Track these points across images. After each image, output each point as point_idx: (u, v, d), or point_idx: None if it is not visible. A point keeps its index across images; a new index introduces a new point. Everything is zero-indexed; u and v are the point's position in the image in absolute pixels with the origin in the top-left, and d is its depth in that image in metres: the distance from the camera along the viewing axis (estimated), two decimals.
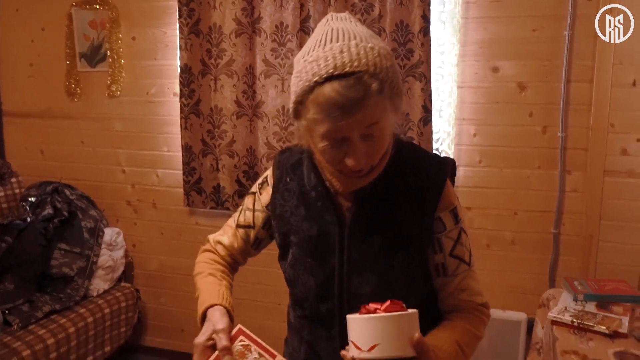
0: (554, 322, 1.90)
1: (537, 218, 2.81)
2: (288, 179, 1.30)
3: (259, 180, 1.40)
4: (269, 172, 1.37)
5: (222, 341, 1.09)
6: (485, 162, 2.85)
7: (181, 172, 3.28)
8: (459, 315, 1.28)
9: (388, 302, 1.02)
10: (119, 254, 3.38)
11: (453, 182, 1.38)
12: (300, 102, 1.07)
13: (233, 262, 1.43)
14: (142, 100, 3.37)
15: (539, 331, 2.19)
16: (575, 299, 2.06)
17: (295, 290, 1.31)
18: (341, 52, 1.02)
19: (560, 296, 2.12)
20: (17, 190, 3.50)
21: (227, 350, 1.09)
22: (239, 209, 1.43)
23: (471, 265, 1.30)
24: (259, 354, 1.12)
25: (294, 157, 1.32)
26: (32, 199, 3.34)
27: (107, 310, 3.16)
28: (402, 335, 0.99)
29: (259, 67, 3.01)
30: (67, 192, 3.37)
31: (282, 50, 2.96)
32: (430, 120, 2.79)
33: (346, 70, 1.01)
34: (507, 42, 2.74)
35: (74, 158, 3.59)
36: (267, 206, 1.35)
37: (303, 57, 1.08)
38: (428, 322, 1.15)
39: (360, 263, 1.20)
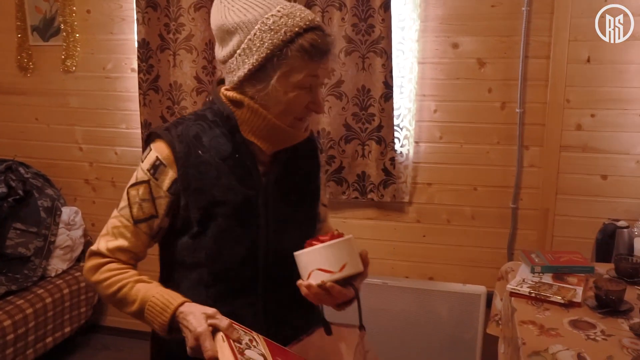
0: (512, 294, 1.94)
1: (496, 193, 2.86)
2: (200, 151, 1.25)
3: (145, 167, 1.26)
4: (158, 153, 1.26)
5: (223, 320, 1.09)
6: (446, 138, 2.88)
7: (140, 149, 3.22)
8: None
9: (329, 234, 1.17)
10: (77, 233, 3.32)
11: None
12: (280, 52, 1.18)
13: (135, 264, 1.31)
14: (99, 75, 3.28)
15: (497, 303, 2.23)
16: (533, 271, 2.10)
17: (217, 264, 1.27)
18: (306, 9, 1.22)
19: (519, 269, 2.16)
20: None
21: (232, 326, 1.09)
22: (124, 205, 1.28)
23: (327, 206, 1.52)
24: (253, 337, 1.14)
25: (192, 129, 1.28)
26: None
27: (66, 291, 3.11)
28: (357, 253, 1.18)
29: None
30: (21, 170, 3.28)
31: None
32: (392, 97, 2.79)
33: (316, 24, 1.20)
34: (467, 18, 2.75)
35: (28, 135, 3.49)
36: (169, 190, 1.25)
37: (269, 14, 1.19)
38: None
39: (283, 220, 1.31)
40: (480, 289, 2.79)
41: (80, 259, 3.36)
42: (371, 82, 2.81)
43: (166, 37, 3.02)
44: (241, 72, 1.22)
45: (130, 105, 3.23)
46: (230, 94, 1.26)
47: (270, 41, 1.18)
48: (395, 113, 2.87)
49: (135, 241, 1.27)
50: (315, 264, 1.14)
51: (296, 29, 1.17)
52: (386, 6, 2.71)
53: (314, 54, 1.18)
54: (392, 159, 2.86)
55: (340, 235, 1.17)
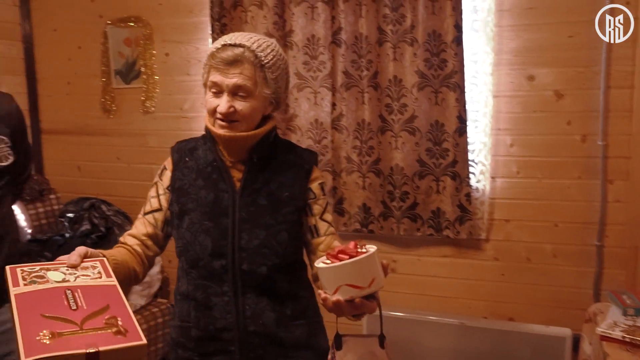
0: (603, 338, 1.83)
1: (579, 230, 2.73)
2: (187, 159, 1.56)
3: (157, 172, 1.60)
4: (166, 161, 1.60)
5: (71, 257, 1.23)
6: (523, 173, 2.79)
7: None
8: None
9: (350, 244, 1.18)
10: (155, 269, 3.40)
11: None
12: (205, 64, 1.47)
13: (142, 250, 1.55)
14: (176, 115, 3.39)
15: (586, 347, 2.11)
16: (625, 314, 1.98)
17: (190, 252, 1.49)
18: (237, 35, 1.46)
19: (608, 311, 2.04)
20: (55, 207, 3.55)
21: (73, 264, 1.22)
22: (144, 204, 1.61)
23: (336, 231, 1.62)
24: (99, 272, 1.22)
25: (190, 144, 1.60)
26: (70, 215, 3.38)
27: (144, 326, 3.17)
28: (380, 265, 1.17)
29: (292, 80, 3.00)
30: (103, 207, 3.41)
31: (314, 63, 2.95)
32: (466, 131, 2.74)
33: (235, 42, 1.42)
34: (543, 49, 2.67)
35: (110, 174, 3.63)
36: (167, 187, 1.56)
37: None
38: (300, 275, 1.59)
39: (249, 221, 1.47)
40: (566, 332, 2.64)
41: (158, 295, 3.43)
42: (445, 116, 2.77)
43: None
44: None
45: None
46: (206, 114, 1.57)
47: (205, 59, 1.48)
48: (470, 148, 2.81)
49: (142, 228, 1.56)
50: (345, 279, 1.14)
51: (214, 47, 1.46)
52: (458, 40, 2.68)
53: (217, 60, 1.42)
54: (468, 195, 2.78)
55: (361, 247, 1.17)
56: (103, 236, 3.27)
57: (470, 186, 2.80)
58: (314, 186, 1.57)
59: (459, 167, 2.78)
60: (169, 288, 3.56)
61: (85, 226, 3.29)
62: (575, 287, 2.76)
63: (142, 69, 3.40)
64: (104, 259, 1.29)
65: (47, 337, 0.98)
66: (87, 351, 0.96)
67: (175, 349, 1.59)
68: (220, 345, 1.50)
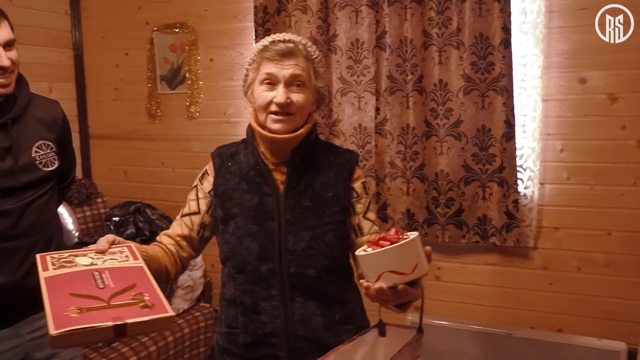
0: None
1: (634, 239, 2.61)
2: (229, 163, 1.57)
3: (198, 176, 1.62)
4: (207, 166, 1.61)
5: (99, 243, 1.31)
6: (574, 179, 2.69)
7: None
8: None
9: (391, 231, 1.15)
10: (198, 273, 3.41)
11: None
12: (253, 60, 1.50)
13: (176, 250, 1.57)
14: (220, 120, 3.41)
15: None
16: None
17: (237, 256, 1.49)
18: (283, 34, 1.51)
19: None
20: (102, 210, 3.61)
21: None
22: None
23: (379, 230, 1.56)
24: (127, 256, 1.28)
25: (231, 149, 1.61)
26: (116, 219, 3.43)
27: (186, 330, 3.18)
28: (423, 251, 1.14)
29: (335, 85, 2.98)
30: (148, 212, 3.44)
31: (358, 67, 2.92)
32: (514, 136, 2.67)
33: (286, 39, 1.48)
34: (595, 51, 2.58)
35: (155, 178, 3.67)
36: (209, 192, 1.57)
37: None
38: (348, 278, 1.58)
39: (295, 223, 1.47)
40: (620, 345, 2.53)
41: (200, 299, 3.44)
42: (491, 121, 2.70)
43: None
44: (243, 91, 1.58)
45: None
46: (250, 115, 1.58)
47: (249, 57, 1.53)
48: (518, 153, 2.73)
49: (177, 229, 1.58)
50: (387, 265, 1.12)
51: (263, 43, 1.49)
52: (506, 43, 2.61)
53: (273, 52, 1.44)
54: (515, 202, 2.70)
55: (402, 234, 1.15)
56: (147, 240, 3.30)
57: (517, 192, 2.72)
58: (357, 185, 1.57)
59: (506, 173, 2.70)
60: (211, 292, 3.57)
61: (130, 230, 3.32)
62: (630, 298, 2.64)
63: (187, 75, 3.43)
64: (132, 244, 1.36)
65: (75, 312, 1.00)
66: (115, 324, 0.98)
67: (222, 356, 1.59)
68: (269, 350, 1.49)
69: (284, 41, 1.47)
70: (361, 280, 1.21)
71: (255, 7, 3.05)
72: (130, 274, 1.18)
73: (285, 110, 1.45)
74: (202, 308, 3.37)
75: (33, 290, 1.83)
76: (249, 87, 1.54)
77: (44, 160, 1.87)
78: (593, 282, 2.70)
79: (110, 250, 1.30)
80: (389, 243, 1.12)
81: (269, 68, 1.45)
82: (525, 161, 2.76)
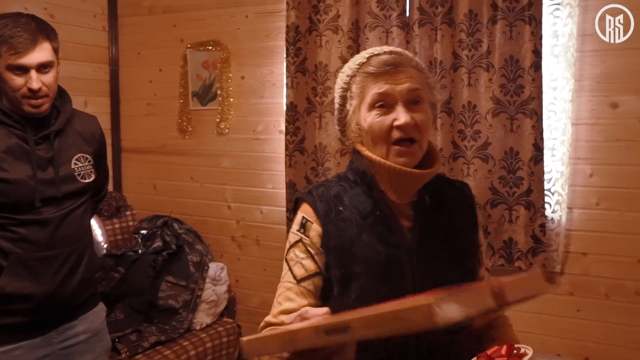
0: None
1: None
2: (341, 208, 1.25)
3: (295, 229, 1.27)
4: (304, 212, 1.27)
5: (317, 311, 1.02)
6: (604, 205, 2.65)
7: (285, 209, 3.30)
8: (501, 330, 1.35)
9: (505, 347, 1.04)
10: (222, 288, 3.43)
11: None
12: (352, 77, 1.24)
13: None
14: (249, 137, 3.45)
15: None
16: None
17: None
18: (377, 47, 1.26)
19: None
20: (130, 223, 3.66)
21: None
22: (285, 272, 1.26)
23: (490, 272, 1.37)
24: None
25: (332, 190, 1.28)
26: (144, 232, 3.48)
27: (209, 345, 3.19)
28: None
29: None
30: (175, 226, 3.48)
31: None
32: (542, 159, 2.64)
33: (385, 50, 1.23)
34: (629, 75, 2.56)
35: (184, 193, 3.72)
36: (321, 245, 1.23)
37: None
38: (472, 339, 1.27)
39: (431, 280, 1.19)
40: None
41: (224, 314, 3.45)
42: (520, 144, 2.68)
43: (313, 100, 3.11)
44: (336, 123, 1.31)
45: (277, 166, 3.35)
46: (359, 147, 1.27)
47: (341, 81, 1.27)
48: (546, 177, 2.71)
49: (301, 301, 1.21)
50: None
51: (359, 60, 1.24)
52: (537, 66, 2.60)
53: (381, 64, 1.19)
54: (542, 226, 2.67)
55: (514, 349, 1.05)
56: (173, 254, 3.34)
57: (545, 216, 2.69)
58: (480, 230, 1.34)
59: (533, 197, 2.68)
60: (235, 308, 3.58)
61: (157, 243, 3.37)
62: None
63: (218, 92, 3.49)
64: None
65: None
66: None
67: None
68: None
69: (387, 53, 1.22)
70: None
71: (287, 26, 3.10)
72: None
73: (410, 135, 1.18)
74: (225, 323, 3.38)
75: (67, 299, 1.88)
76: (350, 119, 1.26)
77: (82, 172, 1.93)
78: (622, 310, 2.64)
79: None
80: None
81: (379, 87, 1.19)
82: (554, 185, 2.73)
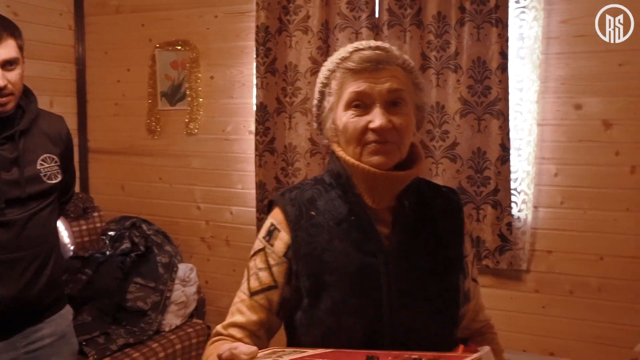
0: None
1: (627, 264, 2.62)
2: (313, 212, 1.16)
3: (261, 235, 1.20)
4: (273, 218, 1.20)
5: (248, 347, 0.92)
6: (568, 204, 2.71)
7: (254, 209, 3.30)
8: (483, 339, 1.28)
9: (461, 347, 1.02)
10: (191, 290, 3.40)
11: None
12: (332, 72, 1.15)
13: (255, 344, 1.10)
14: (219, 137, 3.44)
15: None
16: None
17: (334, 342, 1.08)
18: (364, 42, 1.16)
19: None
20: (98, 225, 3.61)
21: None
22: (244, 280, 1.20)
23: (478, 282, 1.30)
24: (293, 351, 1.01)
25: (306, 193, 1.20)
26: (112, 233, 3.44)
27: (178, 346, 3.17)
28: None
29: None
30: (144, 227, 3.45)
31: None
32: (509, 159, 2.69)
33: (372, 45, 1.13)
34: (592, 78, 2.62)
35: (152, 194, 3.69)
36: (285, 255, 1.16)
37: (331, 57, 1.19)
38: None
39: (410, 292, 1.11)
40: None
41: (193, 315, 3.43)
42: (487, 144, 2.73)
43: (283, 100, 3.12)
44: (314, 121, 1.24)
45: (247, 166, 3.34)
46: (334, 147, 1.18)
47: (322, 75, 1.18)
48: (513, 176, 2.76)
49: (252, 316, 1.15)
50: None
51: (342, 54, 1.14)
52: (504, 67, 2.65)
53: (362, 61, 1.10)
54: (509, 224, 2.72)
55: (474, 349, 1.00)
56: (142, 255, 3.30)
57: (511, 215, 2.74)
58: (467, 239, 1.25)
59: (500, 196, 2.72)
60: (204, 309, 3.56)
61: (126, 244, 3.33)
62: (622, 323, 2.65)
63: (188, 92, 3.47)
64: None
65: None
66: None
67: None
68: None
69: (371, 48, 1.12)
70: None
71: (257, 26, 3.09)
72: None
73: (386, 138, 1.10)
74: (195, 324, 3.36)
75: (32, 302, 1.85)
76: (326, 117, 1.18)
77: (49, 173, 1.90)
78: (585, 306, 2.71)
79: None
80: None
81: (357, 85, 1.10)
82: (520, 184, 2.78)
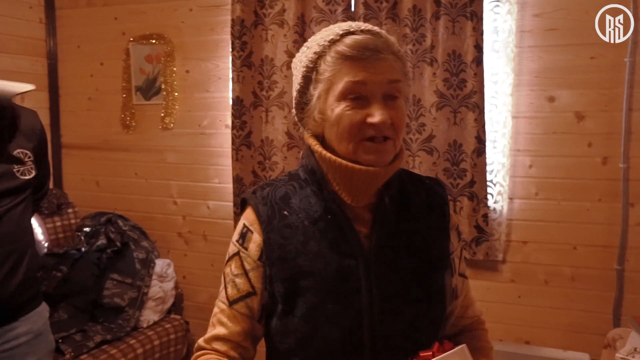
0: None
1: (599, 253, 2.68)
2: (286, 212, 1.08)
3: (234, 238, 1.13)
4: (245, 219, 1.12)
5: None
6: (542, 195, 2.76)
7: (232, 203, 3.29)
8: (471, 336, 1.24)
9: (436, 345, 1.00)
10: (169, 285, 3.39)
11: None
12: (319, 55, 1.03)
13: (240, 356, 1.11)
14: (195, 132, 3.41)
15: None
16: None
17: (310, 350, 1.04)
18: (353, 23, 1.06)
19: (628, 336, 2.00)
20: (72, 221, 3.57)
21: None
22: (221, 288, 1.13)
23: (467, 277, 1.24)
24: None
25: (279, 191, 1.11)
26: (87, 229, 3.40)
27: (156, 342, 3.15)
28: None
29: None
30: (120, 223, 3.42)
31: None
32: (484, 152, 2.72)
33: (363, 28, 1.03)
34: (564, 71, 2.66)
35: (128, 189, 3.65)
36: (260, 258, 1.08)
37: (314, 38, 1.08)
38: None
39: (393, 296, 1.05)
40: (584, 357, 2.58)
41: (171, 311, 3.41)
42: (463, 137, 2.76)
43: (259, 94, 3.11)
44: (293, 108, 1.12)
45: (223, 160, 3.32)
46: (309, 140, 1.10)
47: (305, 58, 1.06)
48: (488, 168, 2.79)
49: (234, 327, 1.09)
50: None
51: (331, 37, 1.02)
52: (478, 60, 2.68)
53: (358, 48, 0.99)
54: (485, 216, 2.76)
55: (450, 346, 1.00)
56: (118, 251, 3.28)
57: (487, 207, 2.78)
58: (452, 233, 1.17)
59: (476, 188, 2.76)
60: (182, 304, 3.55)
61: (101, 240, 3.29)
62: (595, 311, 2.70)
63: (163, 86, 3.44)
64: None
65: None
66: None
67: None
68: None
69: (364, 32, 1.02)
70: None
71: (233, 20, 3.08)
72: None
73: (384, 133, 1.02)
74: (173, 320, 3.34)
75: (7, 300, 1.82)
76: (313, 106, 1.06)
77: (22, 168, 1.86)
78: (560, 295, 2.76)
79: None
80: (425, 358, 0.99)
81: (354, 75, 0.99)
82: (496, 176, 2.82)
